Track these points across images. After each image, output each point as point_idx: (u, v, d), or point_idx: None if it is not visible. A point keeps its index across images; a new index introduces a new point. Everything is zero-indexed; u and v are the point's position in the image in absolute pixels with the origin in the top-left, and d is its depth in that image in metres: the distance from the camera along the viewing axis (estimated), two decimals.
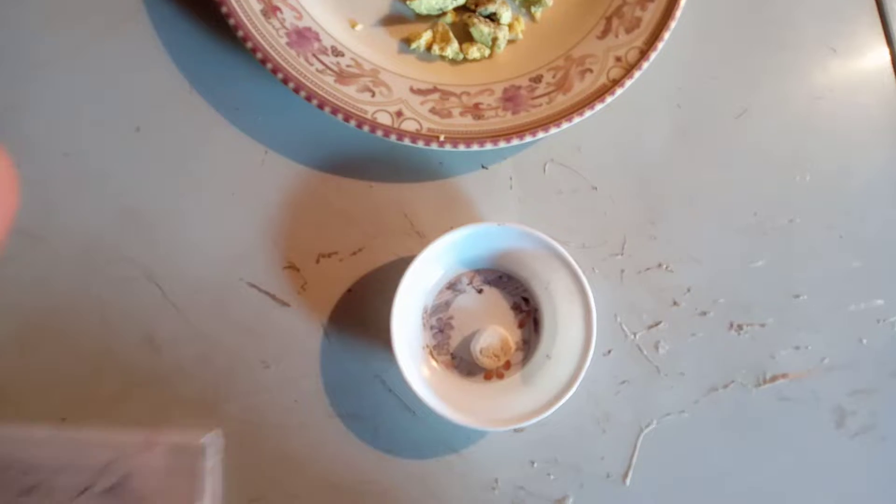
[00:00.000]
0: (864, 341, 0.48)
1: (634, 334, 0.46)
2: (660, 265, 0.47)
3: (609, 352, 0.46)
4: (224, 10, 0.40)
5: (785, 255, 0.48)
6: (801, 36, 0.49)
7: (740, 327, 0.47)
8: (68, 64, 0.42)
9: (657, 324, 0.46)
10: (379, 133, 0.41)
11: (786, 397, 0.47)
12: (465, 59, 0.44)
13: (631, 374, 0.46)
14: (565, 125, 0.43)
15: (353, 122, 0.41)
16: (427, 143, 0.42)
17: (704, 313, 0.47)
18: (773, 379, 0.47)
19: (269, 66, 0.40)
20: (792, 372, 0.47)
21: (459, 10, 0.44)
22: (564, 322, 0.43)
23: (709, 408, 0.46)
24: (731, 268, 0.47)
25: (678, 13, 0.44)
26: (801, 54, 0.49)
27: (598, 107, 0.43)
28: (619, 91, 0.43)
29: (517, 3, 0.45)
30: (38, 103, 0.42)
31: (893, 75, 0.50)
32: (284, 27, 0.41)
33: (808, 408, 0.47)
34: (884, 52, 0.50)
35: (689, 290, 0.47)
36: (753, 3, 0.49)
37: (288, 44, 0.41)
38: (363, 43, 0.43)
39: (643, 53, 0.44)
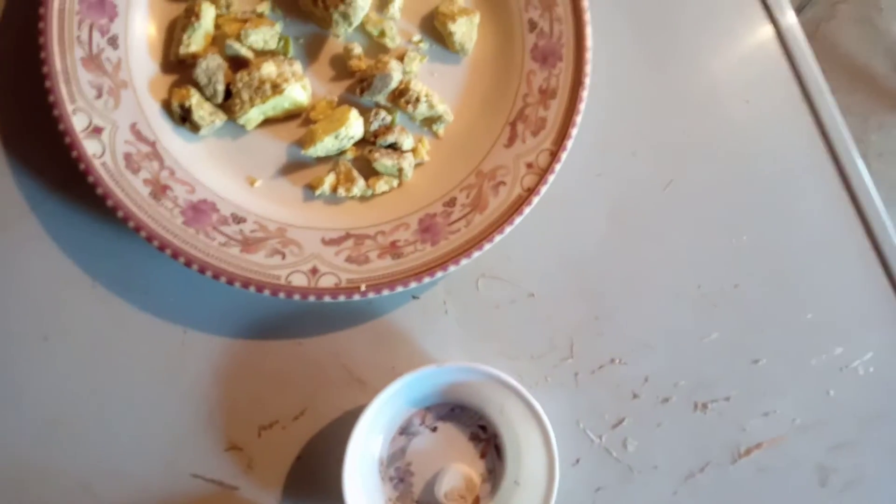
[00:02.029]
0: (832, 392, 0.47)
1: (600, 437, 0.45)
2: (612, 360, 0.45)
3: (577, 461, 0.44)
4: (110, 202, 0.38)
5: (737, 322, 0.47)
6: (715, 94, 0.48)
7: (705, 406, 0.46)
8: None
9: (621, 421, 0.45)
10: (296, 297, 0.39)
11: (764, 467, 0.46)
12: (374, 195, 0.42)
13: (604, 479, 0.44)
14: (487, 246, 0.41)
15: (267, 292, 0.39)
16: (349, 296, 0.40)
17: (666, 399, 0.45)
18: (748, 452, 0.46)
19: (169, 251, 0.38)
20: (766, 440, 0.46)
21: (359, 144, 0.43)
22: (526, 444, 0.42)
23: (690, 496, 0.45)
24: (686, 347, 0.46)
25: (582, 106, 0.43)
26: (717, 113, 0.48)
27: (518, 220, 0.42)
28: (535, 199, 0.42)
29: (417, 123, 0.44)
30: None
31: (810, 113, 0.49)
32: (178, 205, 0.39)
33: (789, 473, 0.46)
34: (797, 98, 0.49)
35: (646, 380, 0.45)
36: (658, 67, 0.48)
37: (184, 223, 0.39)
38: (265, 199, 0.41)
39: (554, 155, 0.42)
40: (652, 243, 0.47)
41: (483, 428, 0.43)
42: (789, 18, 0.49)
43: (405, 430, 0.42)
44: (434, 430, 0.43)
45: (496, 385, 0.41)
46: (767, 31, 0.49)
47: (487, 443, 0.43)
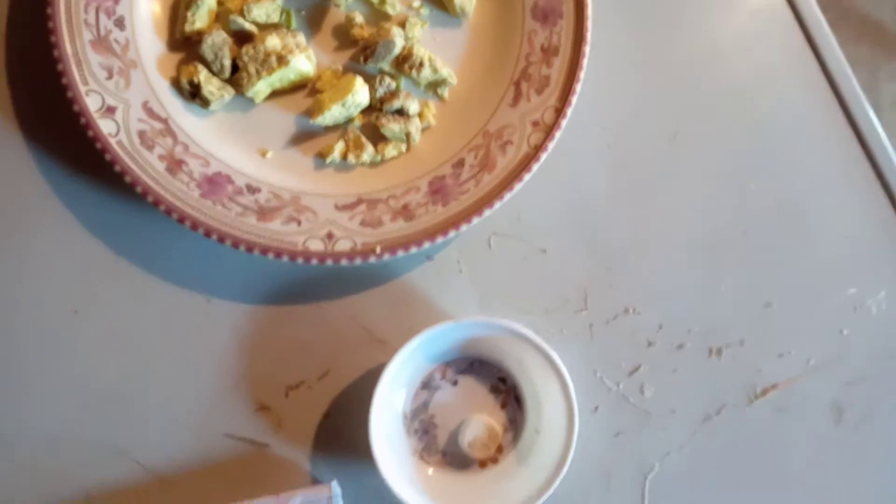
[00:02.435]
0: (845, 332, 0.47)
1: (617, 384, 0.46)
2: (626, 310, 0.46)
3: (596, 408, 0.45)
4: (128, 179, 0.39)
5: (747, 267, 0.47)
6: (718, 45, 0.48)
7: (720, 351, 0.47)
8: None
9: (637, 368, 0.46)
10: (314, 261, 0.40)
11: (781, 407, 0.47)
12: (383, 160, 0.43)
13: (622, 424, 0.46)
14: (498, 204, 0.42)
15: (285, 258, 0.40)
16: (365, 259, 0.41)
17: (681, 346, 0.46)
18: (764, 392, 0.47)
19: (188, 223, 0.39)
20: (781, 381, 0.47)
21: (366, 111, 0.43)
22: (545, 394, 0.43)
23: (707, 437, 0.46)
24: (697, 294, 0.47)
25: (585, 61, 0.43)
26: (721, 63, 0.48)
27: (526, 177, 0.42)
28: (543, 156, 0.43)
29: (422, 88, 0.44)
30: None
31: (816, 63, 0.49)
32: (193, 179, 0.40)
33: (804, 412, 0.47)
34: (802, 44, 0.49)
35: (660, 328, 0.46)
36: (660, 21, 0.48)
37: (201, 195, 0.40)
38: (278, 169, 0.42)
39: (559, 112, 0.43)
40: (659, 194, 0.47)
41: (502, 380, 0.44)
42: None
43: (427, 385, 0.44)
44: (455, 383, 0.44)
45: (513, 338, 0.42)
46: None
47: (507, 394, 0.44)
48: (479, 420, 0.44)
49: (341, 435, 0.43)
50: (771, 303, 0.47)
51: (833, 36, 0.49)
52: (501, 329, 0.41)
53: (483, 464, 0.44)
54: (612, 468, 0.45)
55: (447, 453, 0.44)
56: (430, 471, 0.43)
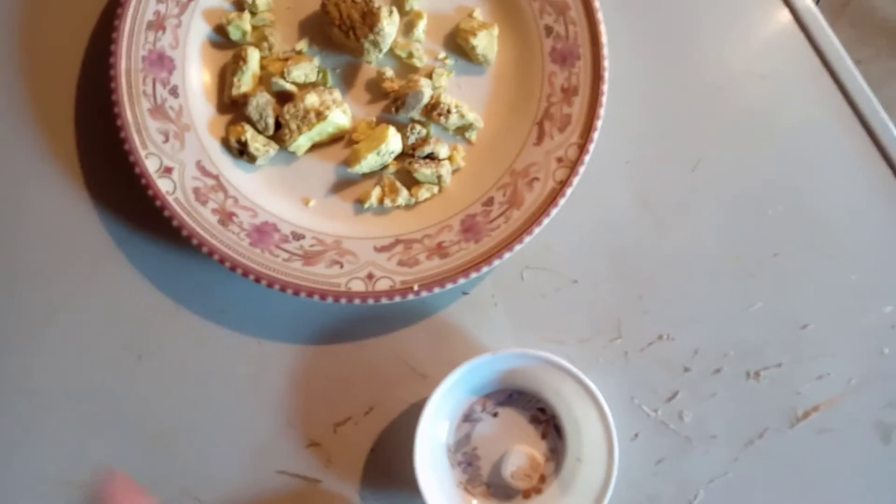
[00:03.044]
0: (886, 350, 0.47)
1: (655, 411, 0.46)
2: (660, 337, 0.47)
3: (636, 435, 0.46)
4: (185, 232, 0.43)
5: (780, 289, 0.48)
6: (732, 73, 0.50)
7: (757, 374, 0.47)
8: (64, 311, 0.45)
9: (675, 394, 0.46)
10: (356, 301, 0.43)
11: (824, 429, 0.46)
12: (417, 203, 0.46)
13: (663, 450, 0.46)
14: (527, 239, 0.44)
15: (330, 299, 0.43)
16: (403, 296, 0.43)
17: (718, 370, 0.47)
18: (806, 415, 0.46)
19: (240, 270, 0.42)
20: (822, 402, 0.47)
21: (399, 158, 0.46)
22: (584, 422, 0.44)
23: (751, 462, 0.46)
24: (731, 318, 0.47)
25: (604, 98, 0.46)
26: (736, 91, 0.50)
27: (554, 211, 0.44)
28: (568, 191, 0.45)
29: (451, 132, 0.47)
30: (50, 352, 0.45)
31: (832, 82, 0.50)
32: (243, 229, 0.43)
33: (849, 433, 0.47)
34: (816, 65, 0.50)
35: (696, 352, 0.47)
36: (673, 55, 0.50)
37: (251, 244, 0.43)
38: (320, 216, 0.45)
39: (582, 148, 0.45)
40: (686, 221, 0.48)
41: (542, 410, 0.45)
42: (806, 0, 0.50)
43: (468, 417, 0.45)
44: (495, 415, 0.45)
45: (550, 368, 0.43)
46: (782, 12, 0.50)
47: (547, 424, 0.45)
48: (521, 450, 0.45)
49: (388, 468, 0.45)
50: (807, 324, 0.47)
51: (844, 51, 0.50)
52: (538, 360, 0.43)
53: (527, 494, 0.45)
54: (655, 495, 0.46)
55: (491, 484, 0.45)
56: (475, 502, 0.44)
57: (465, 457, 0.45)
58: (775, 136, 0.50)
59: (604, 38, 0.46)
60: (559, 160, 0.45)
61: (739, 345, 0.47)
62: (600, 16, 0.46)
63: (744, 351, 0.47)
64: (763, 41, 0.51)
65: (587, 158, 0.45)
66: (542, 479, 0.45)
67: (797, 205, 0.49)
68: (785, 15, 0.50)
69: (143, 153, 0.43)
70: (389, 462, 0.45)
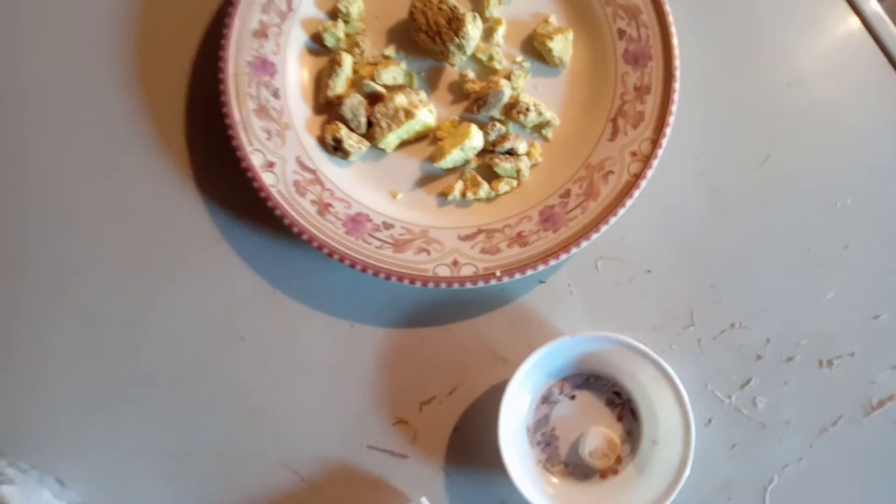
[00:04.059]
0: None
1: (729, 397, 0.48)
2: (732, 325, 0.48)
3: (710, 420, 0.47)
4: (286, 221, 0.46)
5: (851, 280, 0.49)
6: (801, 71, 0.52)
7: (830, 363, 0.48)
8: (171, 296, 0.49)
9: (748, 381, 0.48)
10: (443, 285, 0.46)
11: None
12: (497, 195, 0.49)
13: (737, 436, 0.47)
14: (604, 228, 0.46)
15: (418, 283, 0.46)
16: (487, 282, 0.46)
17: (790, 359, 0.48)
18: (881, 404, 0.47)
19: (336, 256, 0.46)
20: None
21: (481, 153, 0.49)
22: (660, 406, 0.46)
23: (825, 449, 0.47)
24: (803, 307, 0.49)
25: (675, 96, 0.48)
26: (805, 88, 0.51)
27: (629, 203, 0.46)
28: (643, 183, 0.47)
29: (528, 130, 0.50)
30: (158, 333, 0.49)
31: None
32: (339, 219, 0.47)
33: None
34: (884, 64, 0.51)
35: (768, 341, 0.48)
36: (743, 55, 0.52)
37: (346, 232, 0.47)
38: (407, 208, 0.49)
39: (655, 143, 0.47)
40: (756, 214, 0.50)
41: (617, 394, 0.47)
42: (872, 5, 0.52)
43: (546, 399, 0.47)
44: (572, 398, 0.47)
45: (627, 352, 0.45)
46: (849, 16, 0.52)
47: (623, 407, 0.47)
48: (598, 431, 0.46)
49: (470, 446, 0.47)
50: (879, 314, 0.48)
51: None
52: (615, 343, 0.45)
53: (604, 474, 0.47)
54: (730, 480, 0.47)
55: (569, 464, 0.47)
56: (555, 480, 0.46)
57: (544, 437, 0.47)
58: (842, 133, 0.51)
59: (675, 40, 0.48)
60: (633, 154, 0.48)
61: (812, 334, 0.48)
62: (671, 18, 0.49)
63: (816, 340, 0.48)
64: (831, 41, 0.52)
65: (660, 153, 0.47)
66: (619, 460, 0.47)
67: (865, 198, 0.50)
68: (853, 19, 0.52)
69: (249, 149, 0.47)
70: (472, 440, 0.47)
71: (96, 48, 0.51)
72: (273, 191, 0.47)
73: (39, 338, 0.48)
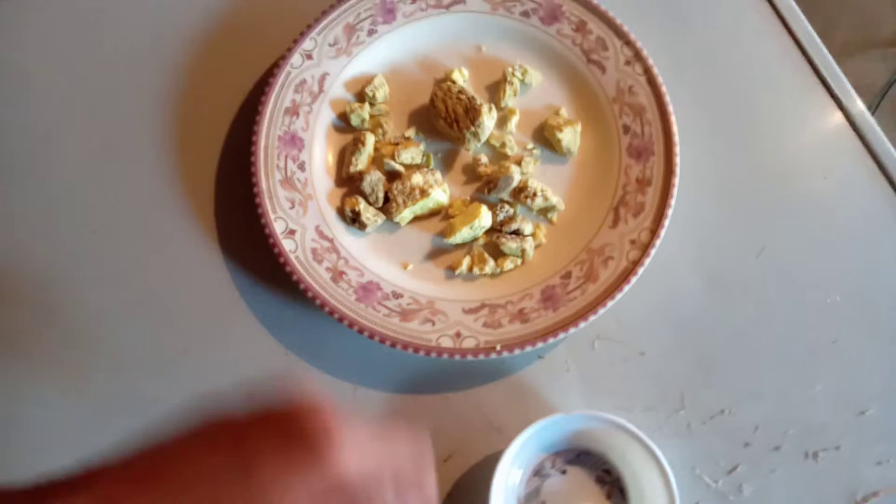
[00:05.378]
0: None
1: (716, 482, 0.49)
2: (722, 411, 0.50)
3: None
4: (302, 286, 0.49)
5: (840, 374, 0.51)
6: (795, 169, 0.55)
7: (816, 454, 0.49)
8: (193, 351, 0.52)
9: (735, 467, 0.49)
10: (445, 356, 0.48)
11: None
12: (502, 272, 0.52)
13: None
14: (601, 311, 0.49)
15: (422, 352, 0.48)
16: (487, 355, 0.48)
17: (777, 448, 0.49)
18: (865, 500, 0.48)
19: (346, 322, 0.49)
20: (883, 488, 0.48)
21: (488, 232, 0.52)
22: (648, 487, 0.47)
23: None
24: (792, 397, 0.50)
25: (675, 190, 0.51)
26: (798, 186, 0.54)
27: (626, 288, 0.49)
28: (640, 270, 0.49)
29: (535, 212, 0.53)
30: (178, 384, 0.51)
31: (887, 184, 0.54)
32: (351, 286, 0.50)
33: None
34: (870, 166, 0.54)
35: (757, 428, 0.50)
36: (739, 152, 0.55)
37: (357, 299, 0.49)
38: (416, 279, 0.52)
39: (654, 232, 0.50)
40: (751, 304, 0.52)
41: (607, 472, 0.49)
42: (858, 105, 0.55)
43: (538, 472, 0.49)
44: (563, 472, 0.49)
45: (618, 432, 0.47)
46: (837, 116, 0.55)
47: (612, 485, 0.48)
48: None
49: None
50: (866, 409, 0.50)
51: None
52: (607, 423, 0.46)
53: None
54: None
55: None
56: None
57: None
58: (833, 229, 0.54)
59: (676, 138, 0.52)
60: (632, 242, 0.50)
61: (799, 423, 0.50)
62: (673, 118, 0.52)
63: (803, 430, 0.50)
64: (821, 139, 0.55)
65: (658, 242, 0.50)
66: None
67: (855, 295, 0.52)
68: (839, 117, 0.55)
69: (272, 217, 0.51)
70: None
71: (144, 118, 0.56)
72: (292, 256, 0.50)
73: (75, 380, 0.51)
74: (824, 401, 0.50)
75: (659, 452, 0.45)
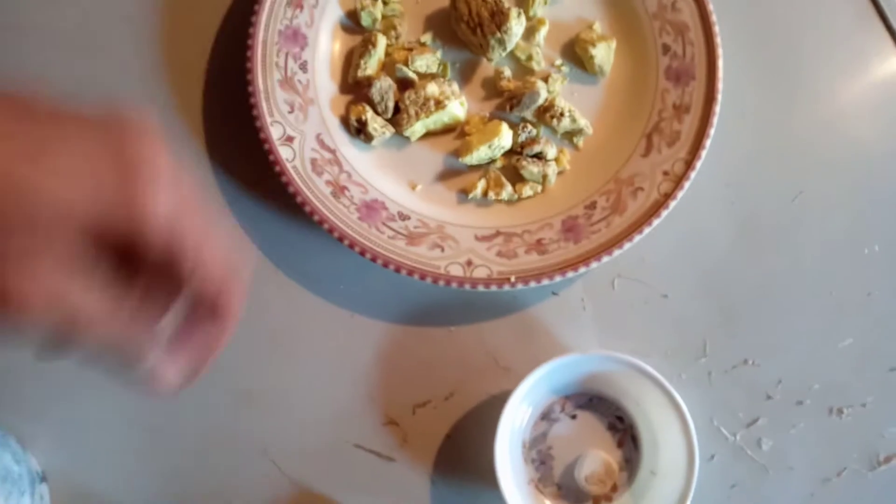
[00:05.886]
0: None
1: (734, 435, 0.46)
2: (745, 361, 0.47)
3: (712, 457, 0.46)
4: (299, 199, 0.44)
5: (871, 329, 0.47)
6: (841, 110, 0.50)
7: (840, 411, 0.46)
8: None
9: (755, 420, 0.46)
10: (454, 285, 0.44)
11: None
12: (520, 199, 0.47)
13: (738, 476, 0.45)
14: (627, 245, 0.44)
15: (429, 280, 0.44)
16: (500, 287, 0.44)
17: (801, 402, 0.46)
18: (888, 459, 0.46)
19: (346, 241, 0.44)
20: None
21: (507, 154, 0.47)
22: (663, 435, 0.44)
23: (826, 499, 0.45)
24: (819, 351, 0.47)
25: (715, 119, 0.46)
26: (843, 129, 0.50)
27: (655, 222, 0.45)
28: (672, 204, 0.45)
29: (559, 136, 0.48)
30: None
31: None
32: (354, 203, 0.45)
33: None
34: None
35: (780, 382, 0.47)
36: (784, 85, 0.51)
37: (359, 218, 0.45)
38: (425, 201, 0.47)
39: (689, 164, 0.46)
40: (782, 251, 0.48)
41: (620, 419, 0.45)
42: None
43: (546, 416, 0.45)
44: (573, 417, 0.45)
45: (635, 376, 0.43)
46: (893, 57, 0.51)
47: (624, 433, 0.45)
48: (597, 455, 0.45)
49: (461, 456, 0.45)
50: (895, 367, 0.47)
51: None
52: (626, 365, 0.43)
53: (597, 500, 0.45)
54: None
55: (562, 486, 0.45)
56: (547, 501, 0.44)
57: (539, 455, 0.45)
58: (877, 178, 0.50)
59: (720, 62, 0.47)
60: (665, 173, 0.46)
61: (825, 379, 0.47)
62: (719, 39, 0.47)
63: (829, 386, 0.47)
64: (874, 82, 0.51)
65: (693, 175, 0.46)
66: (615, 487, 0.45)
67: (894, 247, 0.49)
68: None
69: (269, 120, 0.45)
70: (464, 449, 0.45)
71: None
72: (288, 165, 0.45)
73: None
74: (853, 356, 0.47)
75: (679, 399, 0.42)
